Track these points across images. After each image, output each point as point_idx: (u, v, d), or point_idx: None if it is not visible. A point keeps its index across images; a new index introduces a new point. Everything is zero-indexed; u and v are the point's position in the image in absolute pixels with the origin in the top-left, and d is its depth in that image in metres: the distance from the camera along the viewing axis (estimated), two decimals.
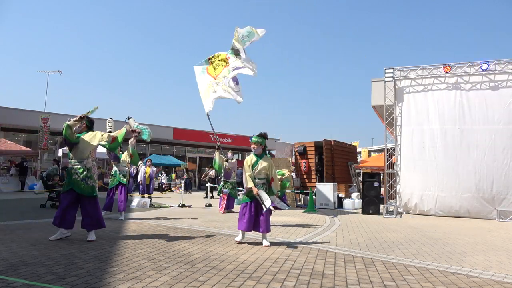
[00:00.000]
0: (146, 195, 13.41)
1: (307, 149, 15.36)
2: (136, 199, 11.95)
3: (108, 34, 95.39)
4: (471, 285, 3.90)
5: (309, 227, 7.96)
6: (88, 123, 5.98)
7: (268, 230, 5.79)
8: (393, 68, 11.86)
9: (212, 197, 16.78)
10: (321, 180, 14.80)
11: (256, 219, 5.80)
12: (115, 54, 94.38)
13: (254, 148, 6.02)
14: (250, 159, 6.02)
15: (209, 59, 9.73)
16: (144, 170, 13.59)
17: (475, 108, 10.90)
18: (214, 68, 9.75)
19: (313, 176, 15.19)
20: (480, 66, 10.82)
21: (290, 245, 5.81)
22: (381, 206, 11.20)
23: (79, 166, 5.72)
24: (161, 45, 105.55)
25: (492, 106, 10.71)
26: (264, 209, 5.64)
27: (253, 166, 5.92)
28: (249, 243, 5.83)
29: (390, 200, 12.07)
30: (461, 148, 10.90)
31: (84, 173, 5.72)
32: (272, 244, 5.80)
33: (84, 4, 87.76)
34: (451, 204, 10.81)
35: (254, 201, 5.81)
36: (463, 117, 10.99)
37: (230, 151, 12.16)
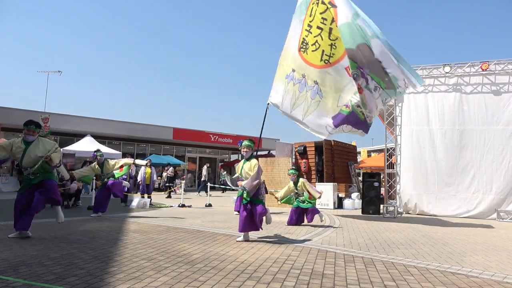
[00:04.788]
0: (146, 195, 13.40)
1: (307, 149, 15.37)
2: (136, 199, 11.94)
3: (108, 33, 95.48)
4: (471, 285, 3.90)
5: (309, 227, 7.95)
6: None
7: (254, 229, 5.99)
8: None
9: (169, 196, 16.74)
10: (321, 180, 14.81)
11: (252, 219, 5.98)
12: (116, 54, 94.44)
13: (246, 152, 6.16)
14: (240, 164, 6.26)
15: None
16: (144, 170, 13.58)
17: (474, 109, 10.90)
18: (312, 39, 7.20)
19: (313, 176, 15.18)
20: (480, 66, 10.82)
21: (290, 245, 5.81)
22: (381, 206, 11.20)
23: None
24: (161, 44, 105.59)
25: (492, 107, 10.72)
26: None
27: (241, 169, 6.12)
28: (249, 243, 5.83)
29: (390, 200, 12.07)
30: (460, 148, 10.91)
31: None
32: (272, 244, 5.80)
33: (84, 4, 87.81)
34: (450, 204, 10.81)
35: (249, 203, 5.99)
36: (462, 117, 10.99)
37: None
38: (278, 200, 8.57)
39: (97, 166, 9.11)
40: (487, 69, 10.74)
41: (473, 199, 10.63)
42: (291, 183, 8.33)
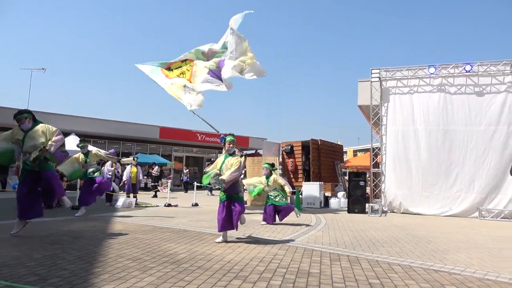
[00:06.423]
0: (131, 194, 13.27)
1: (294, 148, 15.42)
2: (122, 199, 11.82)
3: (94, 31, 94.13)
4: (453, 282, 3.97)
5: (296, 226, 7.99)
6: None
7: (231, 228, 5.87)
8: (379, 69, 11.99)
9: (155, 196, 16.67)
10: (307, 179, 14.88)
11: (231, 218, 5.88)
12: (100, 51, 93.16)
13: (231, 147, 6.11)
14: (220, 158, 6.18)
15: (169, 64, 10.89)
16: (129, 169, 13.44)
17: (458, 109, 11.10)
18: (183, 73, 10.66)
19: (300, 176, 15.25)
20: (464, 67, 11.01)
21: (277, 244, 5.82)
22: (367, 205, 11.31)
23: None
24: (148, 41, 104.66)
25: (475, 108, 10.93)
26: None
27: (221, 165, 6.00)
28: (235, 242, 5.83)
29: (375, 199, 12.20)
30: (444, 148, 11.10)
31: None
32: (258, 243, 5.80)
33: (73, 1, 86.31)
34: (434, 203, 10.99)
35: (227, 201, 5.89)
36: (446, 118, 11.18)
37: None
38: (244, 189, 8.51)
39: (81, 156, 8.91)
40: (470, 70, 10.95)
41: (455, 198, 10.83)
42: (263, 177, 8.43)
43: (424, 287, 3.76)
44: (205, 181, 6.01)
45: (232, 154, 6.07)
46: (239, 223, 6.09)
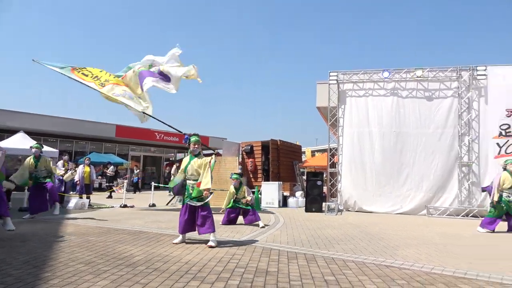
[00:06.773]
0: (84, 195, 12.72)
1: (254, 148, 15.52)
2: (74, 200, 11.31)
3: (46, 27, 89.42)
4: (403, 276, 4.18)
5: (254, 226, 8.03)
6: None
7: (209, 230, 5.65)
8: (337, 72, 12.36)
9: (110, 196, 16.29)
10: (267, 179, 15.02)
11: (193, 220, 5.74)
12: (57, 45, 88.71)
13: (196, 148, 5.88)
14: (185, 159, 6.00)
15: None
16: (82, 169, 12.88)
17: (409, 113, 11.71)
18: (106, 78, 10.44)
19: (260, 175, 15.37)
20: (415, 73, 11.61)
21: (235, 244, 5.83)
22: (324, 204, 11.61)
23: None
24: (102, 39, 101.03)
25: (424, 112, 11.58)
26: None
27: (186, 166, 5.83)
28: (193, 243, 5.77)
29: (332, 198, 12.55)
30: (396, 150, 11.66)
31: None
32: (217, 243, 5.77)
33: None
34: (386, 201, 11.52)
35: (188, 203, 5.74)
36: (399, 120, 11.75)
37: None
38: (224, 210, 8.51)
39: (31, 161, 8.45)
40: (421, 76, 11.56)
41: (406, 196, 11.41)
42: (232, 188, 8.39)
43: (376, 282, 3.92)
44: (171, 184, 6.01)
45: (198, 155, 5.87)
46: (212, 243, 5.55)
